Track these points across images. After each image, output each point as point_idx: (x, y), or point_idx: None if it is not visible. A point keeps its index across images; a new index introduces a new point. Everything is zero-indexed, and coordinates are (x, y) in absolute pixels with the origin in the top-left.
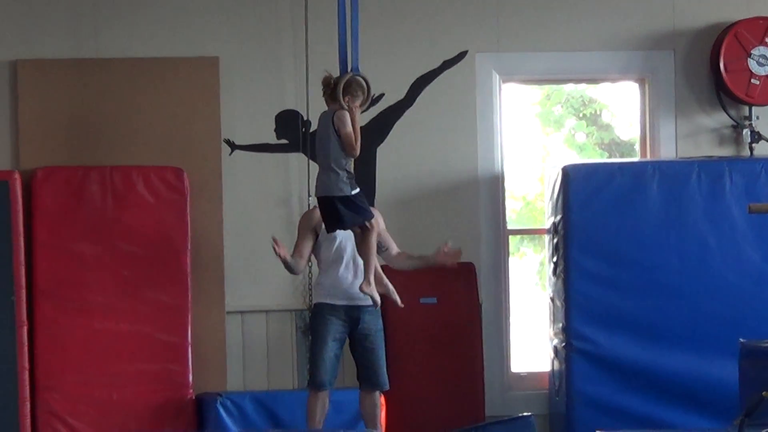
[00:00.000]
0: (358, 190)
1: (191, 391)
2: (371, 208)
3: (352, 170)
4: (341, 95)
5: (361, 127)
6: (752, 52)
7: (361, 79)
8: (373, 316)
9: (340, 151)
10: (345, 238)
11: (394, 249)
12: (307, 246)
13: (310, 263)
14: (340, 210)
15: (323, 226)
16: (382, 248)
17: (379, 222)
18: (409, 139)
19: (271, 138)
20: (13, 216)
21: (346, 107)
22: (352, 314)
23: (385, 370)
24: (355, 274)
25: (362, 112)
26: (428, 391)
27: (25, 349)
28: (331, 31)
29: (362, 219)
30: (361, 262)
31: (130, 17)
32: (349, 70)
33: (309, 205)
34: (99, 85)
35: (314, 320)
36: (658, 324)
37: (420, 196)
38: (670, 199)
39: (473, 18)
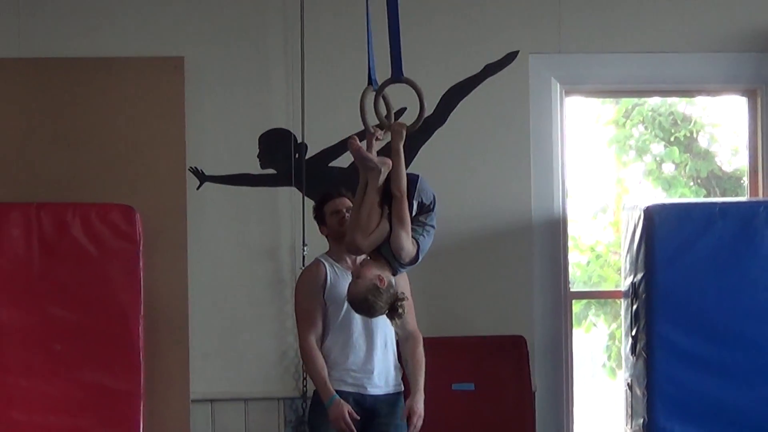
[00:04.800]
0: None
1: None
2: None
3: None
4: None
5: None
6: None
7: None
8: (394, 407)
9: None
10: None
11: (409, 325)
12: (321, 316)
13: None
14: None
15: (328, 284)
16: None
17: (401, 284)
18: (438, 169)
19: (254, 166)
20: None
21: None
22: (365, 405)
23: None
24: (370, 348)
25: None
26: None
27: None
28: (335, 26)
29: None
30: (379, 333)
31: (59, 3)
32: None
33: (304, 258)
34: (21, 93)
35: (313, 412)
36: None
37: (453, 247)
38: None
39: (526, 8)
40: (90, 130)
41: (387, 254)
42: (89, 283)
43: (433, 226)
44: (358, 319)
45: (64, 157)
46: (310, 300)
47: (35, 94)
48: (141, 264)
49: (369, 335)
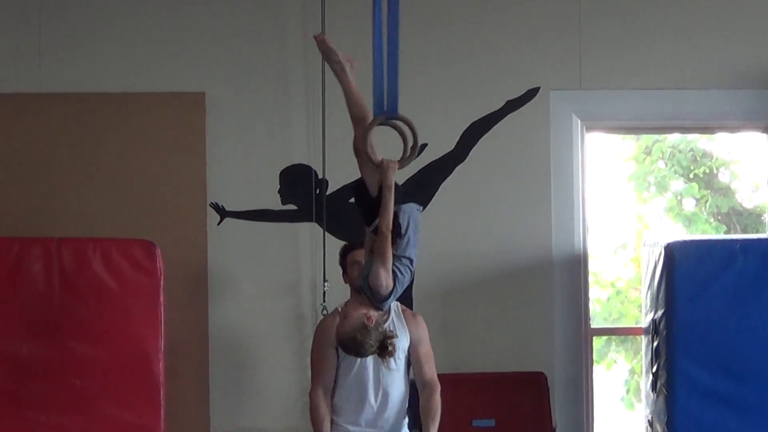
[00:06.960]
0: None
1: None
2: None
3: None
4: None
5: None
6: None
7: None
8: None
9: None
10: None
11: (427, 375)
12: (331, 368)
13: None
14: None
15: None
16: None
17: (418, 332)
18: (459, 205)
19: (275, 202)
20: None
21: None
22: None
23: None
24: (382, 405)
25: (400, 167)
26: None
27: None
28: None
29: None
30: (394, 389)
31: (81, 38)
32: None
33: (324, 294)
34: (43, 128)
35: None
36: None
37: (473, 283)
38: None
39: (547, 45)
40: (111, 165)
41: (365, 290)
42: (110, 318)
43: (409, 258)
44: (370, 374)
45: (85, 192)
46: (321, 352)
47: (56, 130)
48: (161, 299)
49: (380, 390)
